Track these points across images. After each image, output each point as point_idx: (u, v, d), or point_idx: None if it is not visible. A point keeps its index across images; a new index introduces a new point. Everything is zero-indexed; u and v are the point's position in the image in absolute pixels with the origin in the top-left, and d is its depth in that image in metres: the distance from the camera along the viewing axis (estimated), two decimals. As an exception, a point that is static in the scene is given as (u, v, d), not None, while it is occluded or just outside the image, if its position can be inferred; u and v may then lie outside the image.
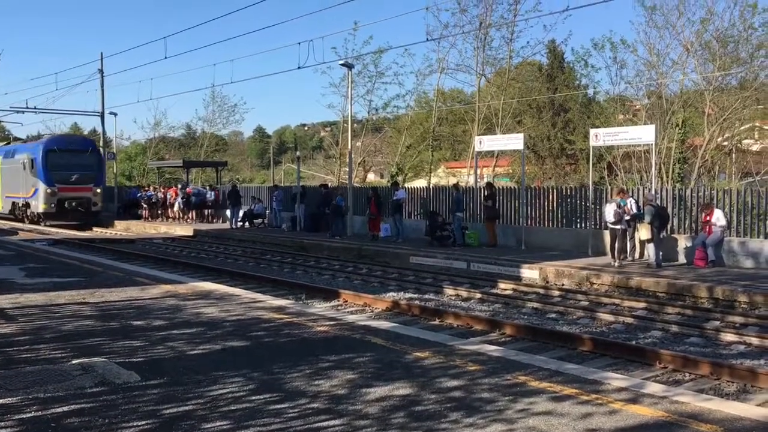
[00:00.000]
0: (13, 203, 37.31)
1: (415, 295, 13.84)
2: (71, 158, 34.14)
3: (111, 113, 44.42)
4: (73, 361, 6.74)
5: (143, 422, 5.12)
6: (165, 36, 49.29)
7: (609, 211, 16.26)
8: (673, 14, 26.86)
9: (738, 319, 11.05)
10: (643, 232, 15.98)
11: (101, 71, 43.55)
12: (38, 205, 34.09)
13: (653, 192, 17.09)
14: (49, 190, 33.53)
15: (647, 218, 15.75)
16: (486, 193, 20.78)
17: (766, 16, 25.64)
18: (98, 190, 35.03)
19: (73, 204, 34.06)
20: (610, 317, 11.34)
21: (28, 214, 35.58)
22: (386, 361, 6.90)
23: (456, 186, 22.38)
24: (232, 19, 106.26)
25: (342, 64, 28.72)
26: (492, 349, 7.46)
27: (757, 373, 7.66)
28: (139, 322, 8.86)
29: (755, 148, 32.77)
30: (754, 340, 9.61)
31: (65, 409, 5.41)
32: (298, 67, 26.56)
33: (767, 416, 5.28)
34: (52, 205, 33.67)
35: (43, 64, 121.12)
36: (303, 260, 19.62)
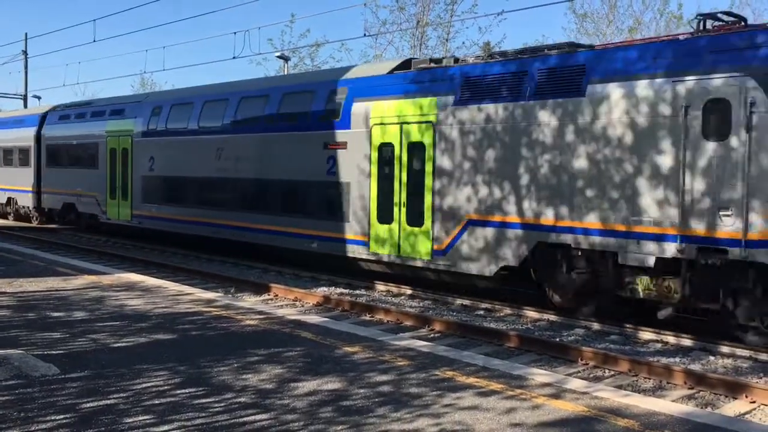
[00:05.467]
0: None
1: (347, 291, 13.84)
2: None
3: (35, 96, 43.02)
4: (-12, 353, 6.47)
5: (61, 416, 4.95)
6: (94, 18, 47.53)
7: None
8: (603, 22, 27.73)
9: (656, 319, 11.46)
10: None
11: (25, 52, 41.78)
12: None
13: None
14: None
15: None
16: None
17: (690, 27, 26.77)
18: None
19: None
20: (535, 314, 11.61)
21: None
22: (316, 355, 6.88)
23: None
24: (165, 4, 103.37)
25: (278, 56, 28.46)
26: (421, 345, 7.54)
27: (672, 370, 7.99)
28: (59, 314, 8.56)
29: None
30: (671, 339, 10.02)
31: (-23, 402, 5.19)
32: (233, 57, 26.21)
33: (681, 412, 5.52)
34: None
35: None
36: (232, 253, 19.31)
